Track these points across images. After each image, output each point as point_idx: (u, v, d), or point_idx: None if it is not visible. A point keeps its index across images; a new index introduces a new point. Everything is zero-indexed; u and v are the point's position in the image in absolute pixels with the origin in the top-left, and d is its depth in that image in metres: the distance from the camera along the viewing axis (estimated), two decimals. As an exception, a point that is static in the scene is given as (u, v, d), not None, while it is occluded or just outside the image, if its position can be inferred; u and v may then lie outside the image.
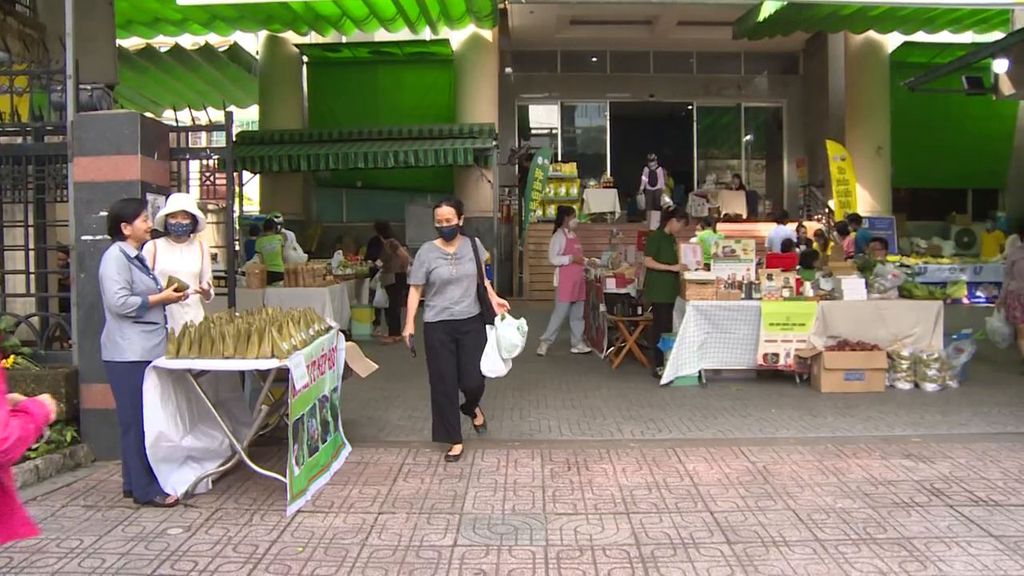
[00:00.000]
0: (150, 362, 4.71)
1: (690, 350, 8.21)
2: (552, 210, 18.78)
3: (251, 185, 19.63)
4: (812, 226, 17.36)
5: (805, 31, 18.26)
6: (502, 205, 18.46)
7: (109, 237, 4.92)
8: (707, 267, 8.56)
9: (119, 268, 4.70)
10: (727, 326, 8.20)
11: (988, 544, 4.09)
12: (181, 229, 5.33)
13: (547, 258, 10.62)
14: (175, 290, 4.91)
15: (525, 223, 17.51)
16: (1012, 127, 19.65)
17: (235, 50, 19.31)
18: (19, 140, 6.31)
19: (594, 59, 22.44)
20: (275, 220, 13.36)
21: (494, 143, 16.83)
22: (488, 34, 17.88)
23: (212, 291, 5.37)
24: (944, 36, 17.23)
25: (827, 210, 18.75)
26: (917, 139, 19.26)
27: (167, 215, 5.28)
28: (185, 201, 5.36)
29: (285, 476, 4.71)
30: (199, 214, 5.42)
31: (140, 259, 4.90)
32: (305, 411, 4.90)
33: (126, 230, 4.83)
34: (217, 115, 6.73)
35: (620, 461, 5.63)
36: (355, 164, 16.24)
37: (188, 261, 5.38)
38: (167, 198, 5.57)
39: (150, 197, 5.70)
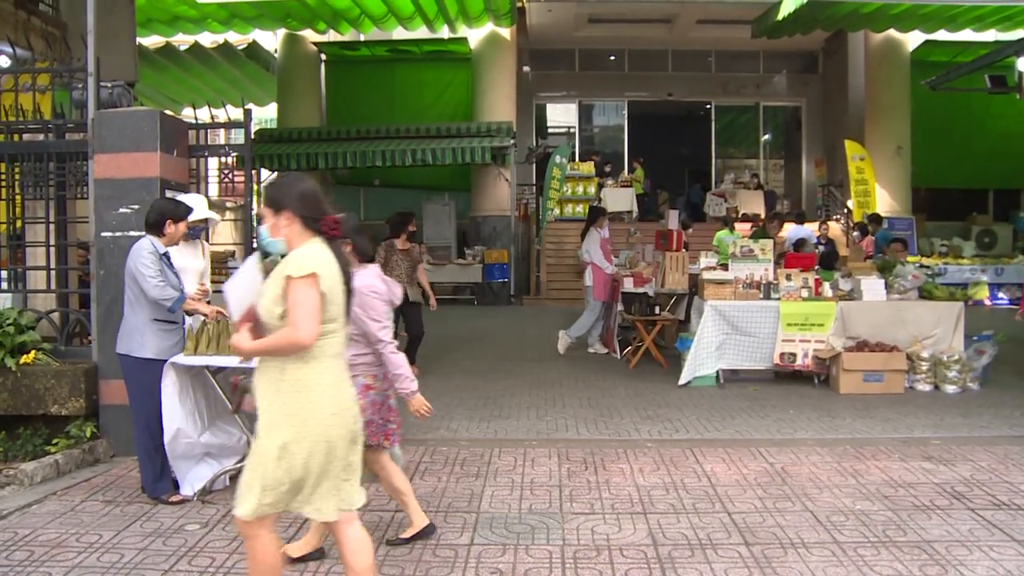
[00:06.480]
0: (163, 360, 4.75)
1: (708, 350, 8.15)
2: (570, 209, 18.81)
3: (269, 183, 19.70)
4: (834, 226, 17.25)
5: (825, 30, 18.08)
6: (519, 204, 18.44)
7: (146, 230, 4.93)
8: (725, 267, 8.51)
9: (152, 260, 4.75)
10: (745, 326, 8.14)
11: (1011, 549, 4.04)
12: (199, 231, 5.48)
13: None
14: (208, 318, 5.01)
15: (542, 222, 17.49)
16: (1035, 127, 19.40)
17: (254, 48, 19.42)
18: (41, 137, 6.37)
19: (612, 58, 22.38)
20: None
21: (512, 142, 16.84)
22: (506, 32, 17.87)
23: (210, 291, 5.42)
24: (966, 35, 16.99)
25: (846, 210, 18.62)
26: (938, 139, 19.05)
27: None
28: (206, 208, 5.46)
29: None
30: (215, 216, 5.56)
31: (167, 255, 4.96)
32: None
33: (169, 228, 4.87)
34: (236, 113, 6.75)
35: (637, 461, 5.60)
36: (373, 162, 16.31)
37: (195, 260, 5.48)
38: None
39: (168, 194, 5.74)
